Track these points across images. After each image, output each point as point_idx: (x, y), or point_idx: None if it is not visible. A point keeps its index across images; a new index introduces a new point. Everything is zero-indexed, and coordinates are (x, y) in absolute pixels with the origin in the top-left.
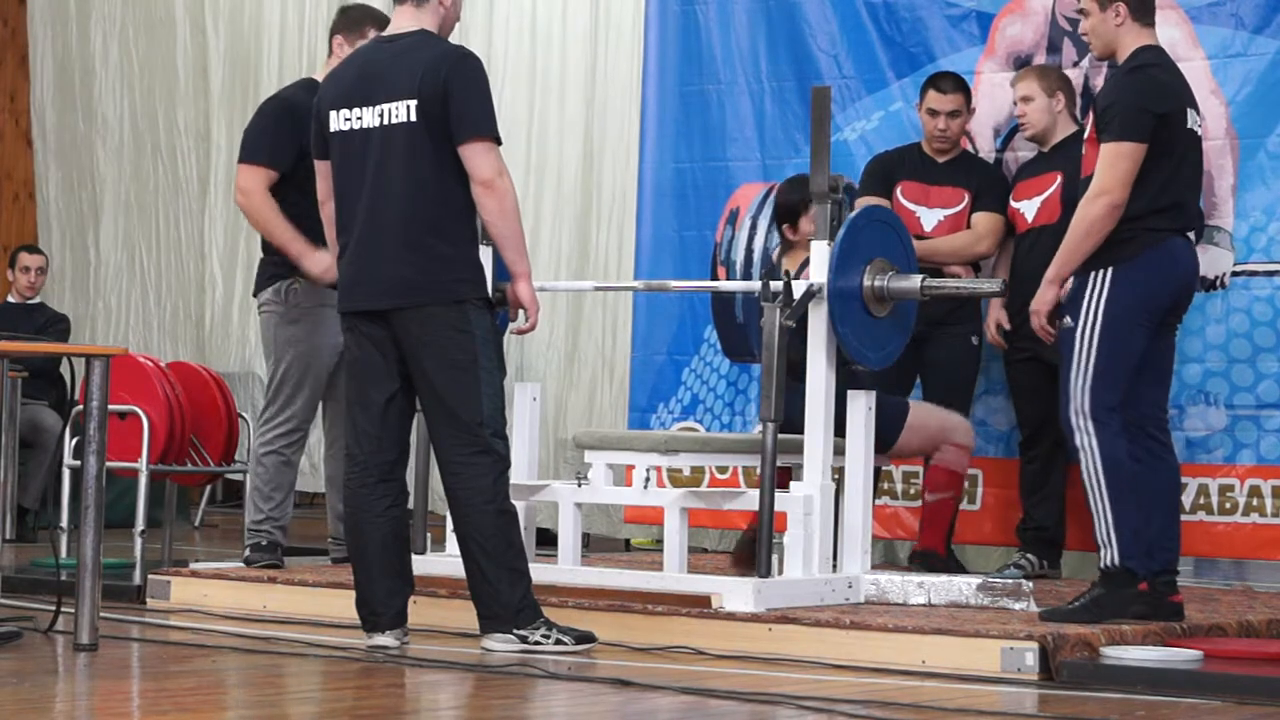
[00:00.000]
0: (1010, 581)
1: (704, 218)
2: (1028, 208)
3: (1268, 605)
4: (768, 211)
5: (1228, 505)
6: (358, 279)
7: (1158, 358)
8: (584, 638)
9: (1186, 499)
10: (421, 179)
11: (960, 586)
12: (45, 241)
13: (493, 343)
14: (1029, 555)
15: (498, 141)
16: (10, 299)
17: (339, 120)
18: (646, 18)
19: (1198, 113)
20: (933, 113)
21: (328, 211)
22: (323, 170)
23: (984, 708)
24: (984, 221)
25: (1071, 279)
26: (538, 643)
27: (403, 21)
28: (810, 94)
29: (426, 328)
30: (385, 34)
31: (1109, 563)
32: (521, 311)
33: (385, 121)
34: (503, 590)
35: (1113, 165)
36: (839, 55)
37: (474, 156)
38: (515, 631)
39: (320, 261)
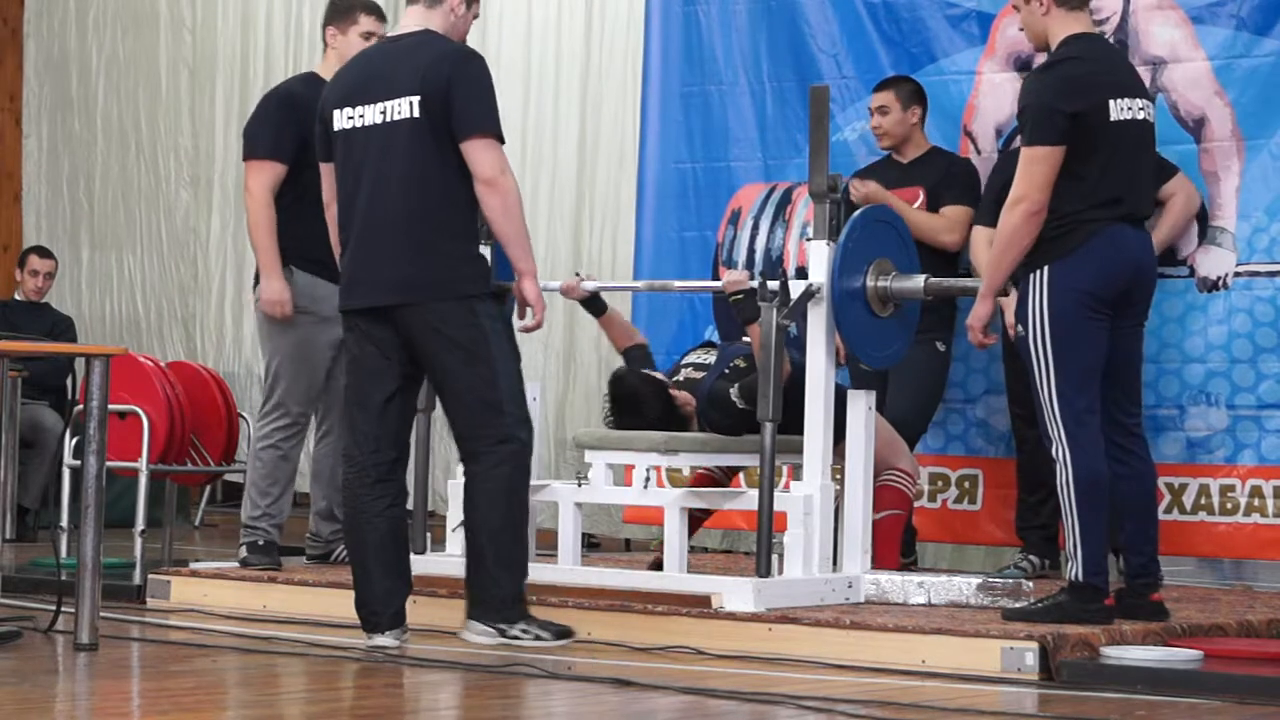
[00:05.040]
0: (1010, 582)
1: (705, 218)
2: None
3: (1268, 605)
4: (770, 211)
5: (1229, 506)
6: (359, 276)
7: (1119, 360)
8: (562, 633)
9: (1188, 499)
10: (424, 175)
11: (960, 586)
12: (39, 240)
13: (504, 331)
14: (1031, 556)
15: (500, 139)
16: (17, 296)
17: (342, 119)
18: (648, 18)
19: (1140, 96)
20: (870, 112)
21: (333, 214)
22: (328, 172)
23: (984, 708)
24: (953, 213)
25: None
26: (516, 637)
27: (410, 21)
28: (809, 94)
29: (435, 324)
30: (391, 34)
31: (1074, 576)
32: (528, 309)
33: (388, 118)
34: (501, 582)
35: (1028, 170)
36: (839, 55)
37: (476, 153)
38: (497, 625)
39: (271, 289)
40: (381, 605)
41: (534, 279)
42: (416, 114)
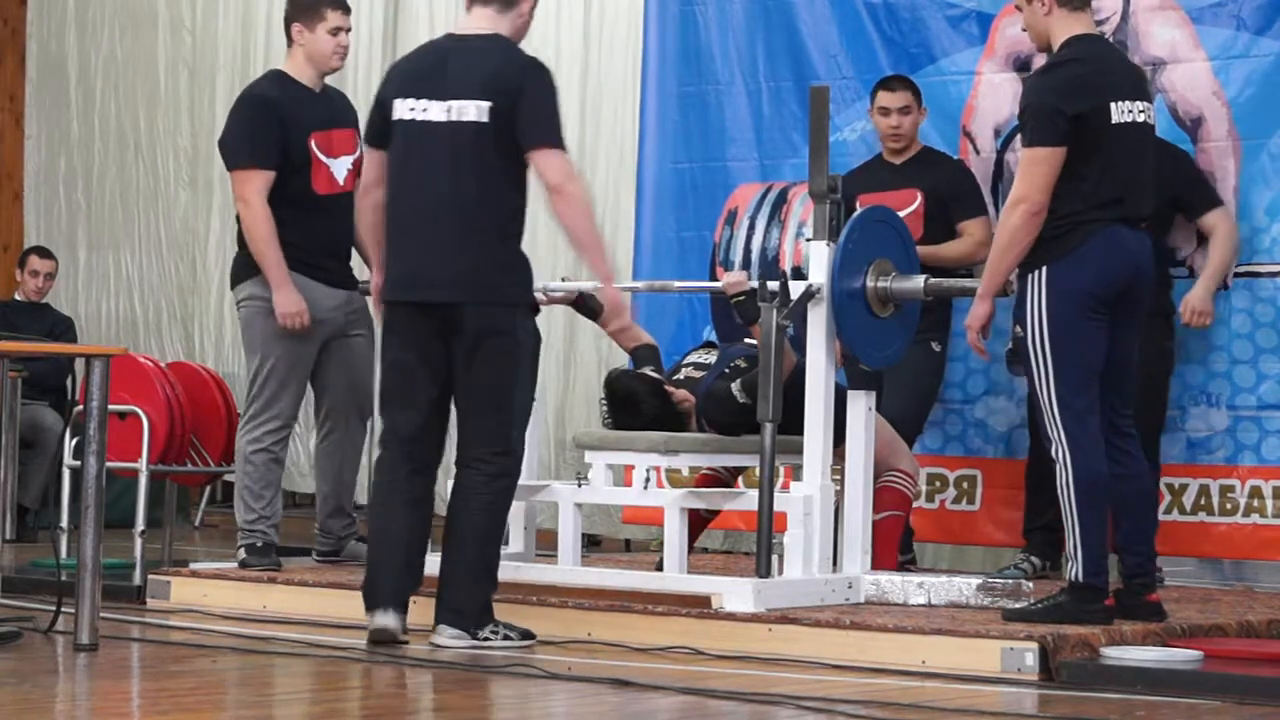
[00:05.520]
0: (1010, 582)
1: (702, 218)
2: None
3: (1268, 605)
4: (765, 211)
5: (1229, 506)
6: (407, 271)
7: (1114, 360)
8: (526, 634)
9: (1188, 499)
10: (486, 180)
11: (960, 587)
12: (39, 240)
13: (534, 349)
14: (1033, 558)
15: (565, 150)
16: (17, 296)
17: (403, 109)
18: (646, 18)
19: (1141, 99)
20: (884, 111)
21: (372, 200)
22: (374, 158)
23: (984, 708)
24: (977, 229)
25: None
26: (487, 639)
27: (478, 23)
28: (808, 94)
29: (476, 325)
30: (458, 32)
31: (1074, 576)
32: (608, 311)
33: (453, 118)
34: (476, 591)
35: (1028, 171)
36: (838, 55)
37: (544, 161)
38: (469, 629)
39: (289, 301)
40: (388, 588)
41: (612, 282)
42: (485, 119)
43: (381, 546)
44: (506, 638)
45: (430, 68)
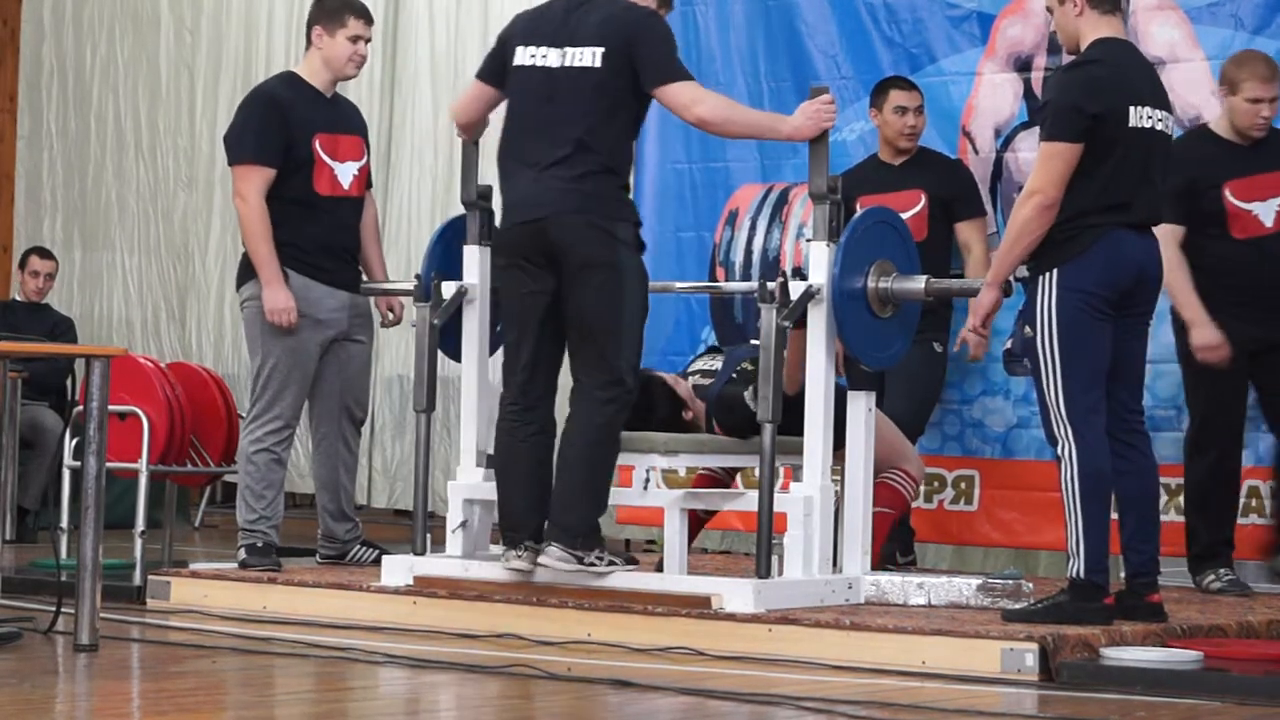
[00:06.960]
0: (1010, 582)
1: (702, 219)
2: (1263, 210)
3: (1267, 605)
4: (766, 212)
5: None
6: (516, 201)
7: (1123, 359)
8: (630, 560)
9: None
10: (595, 122)
11: (960, 587)
12: (38, 241)
13: (640, 280)
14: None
15: (690, 78)
16: (16, 297)
17: (524, 55)
18: None
19: (1162, 108)
20: (901, 110)
21: (469, 134)
22: (478, 91)
23: (984, 708)
24: (975, 232)
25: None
26: (592, 563)
27: None
28: (808, 94)
29: (578, 249)
30: None
31: (1075, 574)
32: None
33: (568, 64)
34: (584, 512)
35: (1045, 164)
36: (838, 56)
37: (671, 96)
38: (574, 551)
39: (276, 299)
40: (522, 518)
41: (789, 126)
42: (599, 64)
43: (508, 486)
44: (611, 563)
45: (552, 18)
